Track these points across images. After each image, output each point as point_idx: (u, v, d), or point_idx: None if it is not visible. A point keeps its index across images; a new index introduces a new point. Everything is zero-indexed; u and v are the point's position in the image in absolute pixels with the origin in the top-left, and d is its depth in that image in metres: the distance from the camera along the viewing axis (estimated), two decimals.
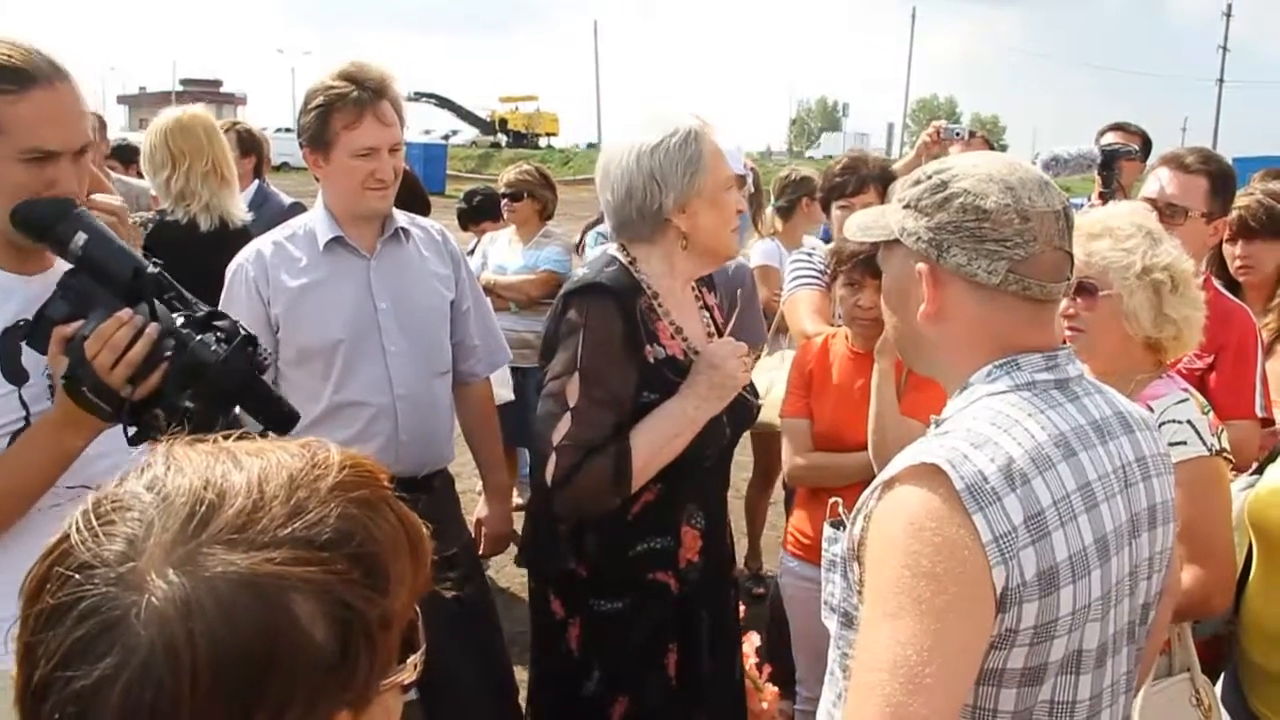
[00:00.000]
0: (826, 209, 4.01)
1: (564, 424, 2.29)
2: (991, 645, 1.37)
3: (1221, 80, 66.89)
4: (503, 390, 3.64)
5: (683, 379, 2.36)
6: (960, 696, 1.34)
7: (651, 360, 2.36)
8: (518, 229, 5.73)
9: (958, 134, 4.47)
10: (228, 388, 1.74)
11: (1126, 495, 1.50)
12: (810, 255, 4.04)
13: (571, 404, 2.28)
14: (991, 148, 5.02)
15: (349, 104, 2.71)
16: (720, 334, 2.57)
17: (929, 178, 1.56)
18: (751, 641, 2.98)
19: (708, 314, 2.60)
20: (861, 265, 3.00)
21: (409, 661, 0.86)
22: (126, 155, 7.38)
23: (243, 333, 1.77)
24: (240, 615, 0.73)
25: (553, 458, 2.29)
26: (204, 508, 0.78)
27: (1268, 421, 3.09)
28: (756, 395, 2.60)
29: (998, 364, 1.51)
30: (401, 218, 2.98)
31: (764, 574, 5.39)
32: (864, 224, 1.67)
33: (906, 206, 1.57)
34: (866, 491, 1.47)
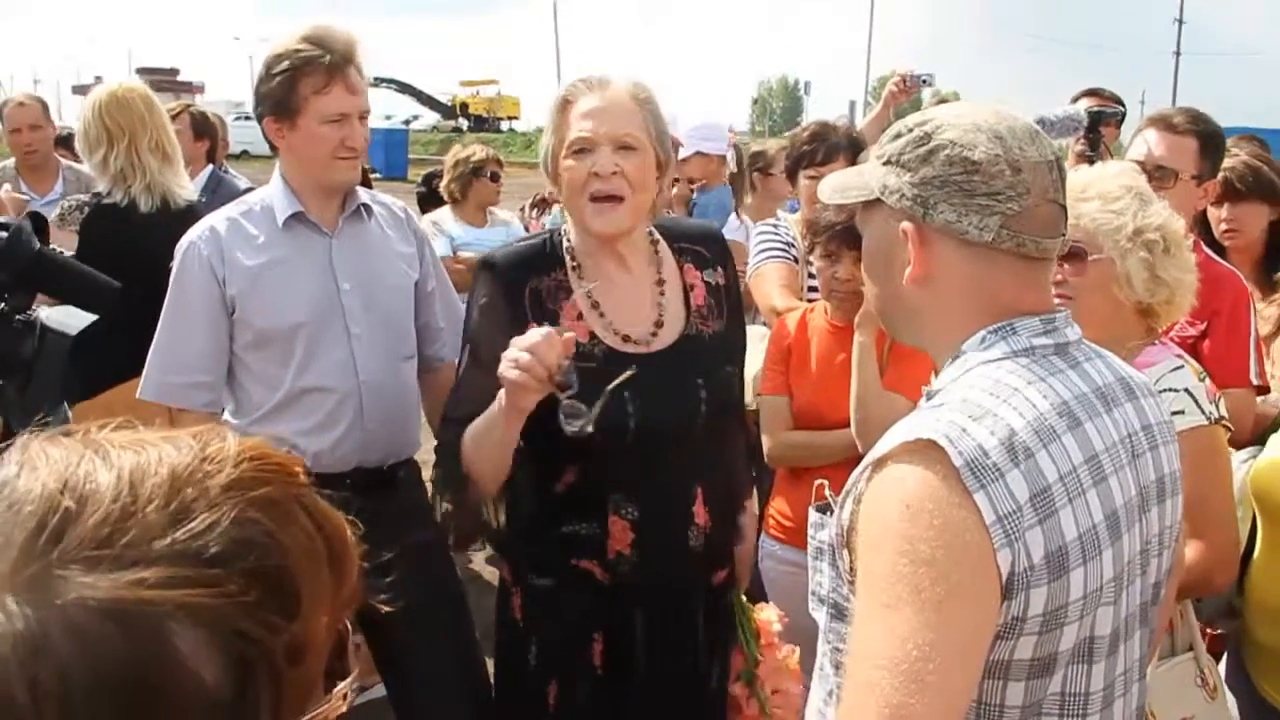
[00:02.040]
0: (793, 178, 3.88)
1: (451, 395, 2.36)
2: (997, 635, 1.25)
3: (1178, 53, 67.37)
4: None
5: (581, 363, 2.19)
6: (966, 693, 1.22)
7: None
8: (464, 208, 5.65)
9: (924, 80, 4.33)
10: (18, 270, 1.58)
11: (1134, 466, 1.39)
12: (775, 227, 3.90)
13: (459, 375, 2.29)
14: None
15: (318, 68, 2.57)
16: (691, 316, 2.40)
17: (910, 130, 1.43)
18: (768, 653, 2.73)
19: (683, 294, 2.41)
20: (839, 236, 2.88)
21: (335, 692, 0.72)
22: (72, 143, 7.18)
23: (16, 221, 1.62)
24: (101, 653, 0.59)
25: (441, 428, 2.37)
26: (57, 517, 0.62)
27: (1263, 389, 3.00)
28: (703, 381, 2.36)
29: (991, 329, 1.39)
30: (363, 194, 2.83)
31: None
32: (840, 185, 1.55)
33: (887, 163, 1.45)
34: (856, 472, 1.34)
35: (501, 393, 2.10)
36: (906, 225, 1.40)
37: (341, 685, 0.73)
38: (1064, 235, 1.43)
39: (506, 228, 5.63)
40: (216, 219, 2.73)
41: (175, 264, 2.69)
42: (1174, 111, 3.15)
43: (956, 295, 1.41)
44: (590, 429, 2.08)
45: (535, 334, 2.04)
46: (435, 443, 3.14)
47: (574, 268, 2.32)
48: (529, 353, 2.01)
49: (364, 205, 2.81)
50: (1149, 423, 1.46)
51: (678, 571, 2.38)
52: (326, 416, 2.69)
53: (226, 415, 2.77)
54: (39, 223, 1.63)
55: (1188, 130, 3.05)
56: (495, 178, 5.67)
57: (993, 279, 1.39)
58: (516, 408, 2.09)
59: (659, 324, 2.36)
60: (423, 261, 2.94)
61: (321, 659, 0.71)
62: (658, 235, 2.46)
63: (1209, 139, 3.08)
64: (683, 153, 5.08)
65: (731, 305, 2.49)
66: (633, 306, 2.36)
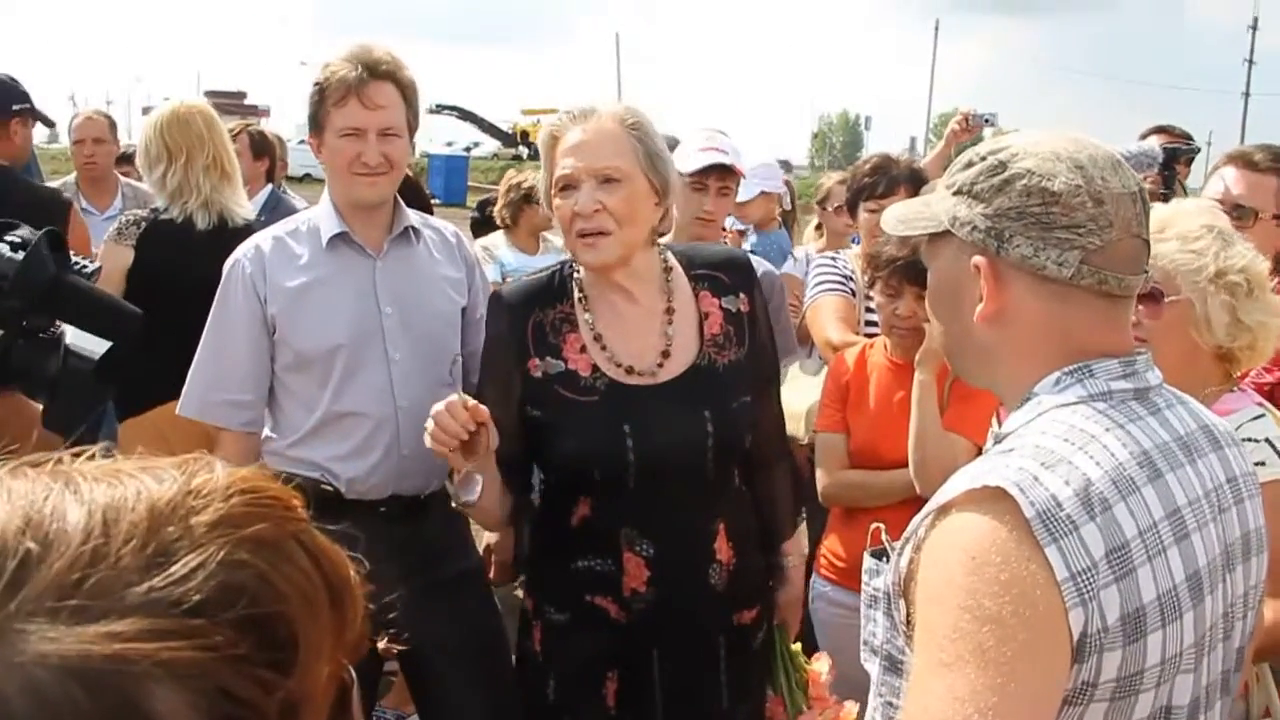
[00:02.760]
0: (853, 211, 3.82)
1: None
2: (1065, 700, 1.17)
3: (1247, 94, 66.42)
4: None
5: (582, 395, 2.24)
6: None
7: (539, 375, 2.25)
8: (516, 234, 5.61)
9: (986, 120, 4.30)
10: (32, 296, 1.54)
11: (1220, 523, 1.30)
12: (834, 259, 3.85)
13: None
14: None
15: (337, 82, 2.56)
16: (704, 346, 2.34)
17: (983, 159, 1.36)
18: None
19: (696, 322, 2.35)
20: (900, 272, 2.81)
21: None
22: (134, 159, 7.30)
23: (37, 235, 1.58)
24: (65, 718, 0.52)
25: None
26: (16, 561, 0.55)
27: None
28: (710, 413, 2.29)
29: (1067, 371, 1.31)
30: (413, 216, 2.79)
31: None
32: (905, 215, 1.47)
33: (958, 193, 1.37)
34: (917, 518, 1.27)
35: None
36: (979, 259, 1.32)
37: None
38: (1147, 272, 1.35)
39: (558, 255, 5.55)
40: (263, 238, 2.71)
41: (222, 281, 2.68)
42: (1254, 148, 3.05)
43: (1031, 334, 1.33)
44: (471, 499, 2.18)
45: (440, 404, 2.12)
46: None
47: (580, 299, 2.31)
48: (433, 420, 2.10)
49: (412, 228, 2.76)
50: (1234, 475, 1.37)
51: (698, 610, 2.32)
52: (362, 442, 2.65)
53: (266, 433, 2.75)
54: (55, 240, 1.59)
55: (1269, 168, 2.94)
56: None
57: (1070, 317, 1.31)
58: (455, 468, 2.19)
59: (665, 354, 2.31)
60: (471, 288, 2.89)
61: (322, 715, 0.64)
62: (673, 262, 2.41)
63: None
64: (746, 194, 5.06)
65: (756, 333, 2.41)
66: (639, 338, 2.32)
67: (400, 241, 2.74)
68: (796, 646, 2.55)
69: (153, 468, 0.63)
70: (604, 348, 2.28)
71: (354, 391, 2.64)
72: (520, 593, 5.03)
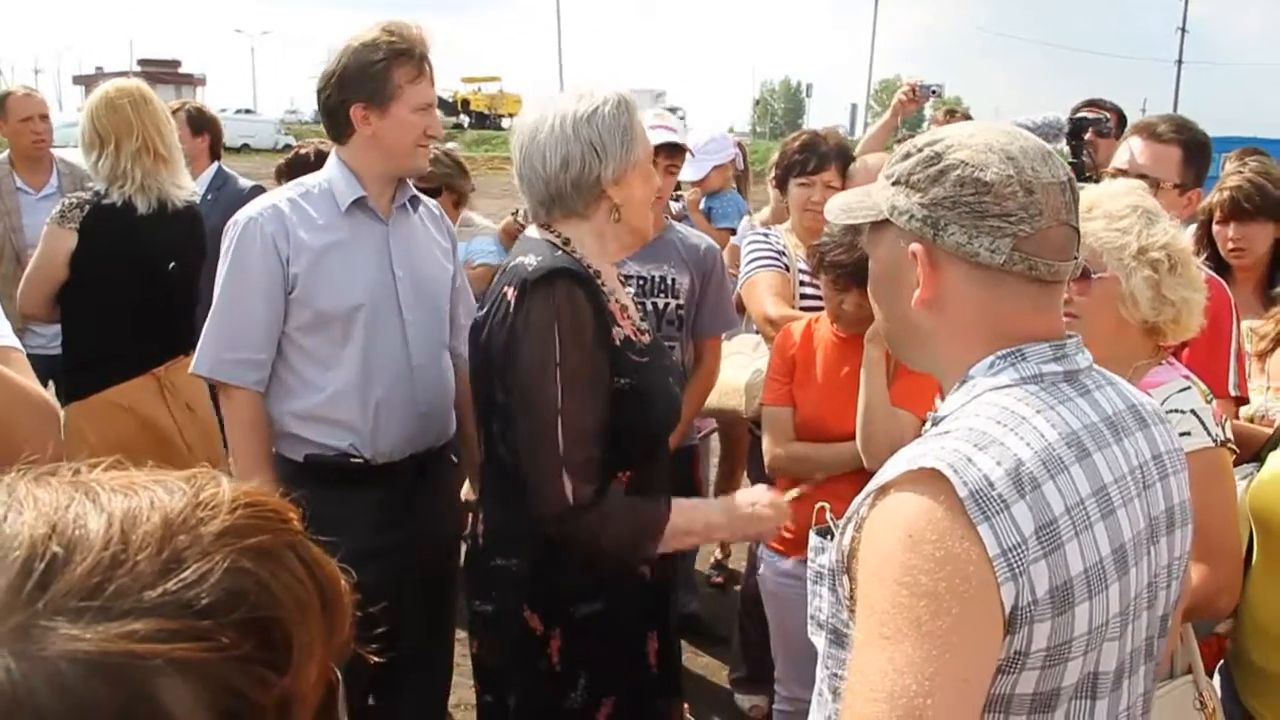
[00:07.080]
0: (783, 187, 3.86)
1: (565, 437, 2.10)
2: (999, 669, 1.22)
3: (1180, 61, 67.40)
4: None
5: (641, 358, 2.25)
6: None
7: (617, 343, 2.22)
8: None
9: (933, 90, 4.37)
10: None
11: (1144, 498, 1.36)
12: (766, 235, 3.88)
13: (560, 406, 2.10)
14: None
15: (411, 58, 2.66)
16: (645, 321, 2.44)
17: (919, 150, 1.41)
18: None
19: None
20: (846, 276, 2.87)
21: None
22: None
23: None
24: (87, 709, 0.56)
25: (564, 476, 2.09)
26: (44, 563, 0.60)
27: (1241, 400, 2.96)
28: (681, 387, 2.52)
29: (1001, 355, 1.36)
30: (411, 187, 2.91)
31: (728, 564, 5.33)
32: (847, 205, 1.52)
33: (896, 183, 1.42)
34: (858, 498, 1.32)
35: (717, 524, 2.34)
36: (916, 247, 1.37)
37: None
38: (1076, 258, 1.41)
39: (467, 244, 5.34)
40: (277, 198, 2.75)
41: (232, 240, 2.69)
42: (1159, 119, 3.12)
43: (965, 319, 1.38)
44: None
45: (759, 503, 2.37)
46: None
47: (595, 273, 2.26)
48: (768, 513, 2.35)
49: (412, 198, 2.88)
50: (1159, 451, 1.43)
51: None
52: (383, 401, 2.73)
53: (280, 395, 2.75)
54: None
55: (1171, 139, 3.02)
56: (432, 193, 5.22)
57: (1003, 302, 1.36)
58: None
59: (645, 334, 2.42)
60: (454, 256, 3.05)
61: (310, 712, 0.68)
62: None
63: (1193, 148, 3.04)
64: (699, 173, 5.16)
65: None
66: (630, 306, 2.41)
67: (402, 210, 2.85)
68: None
69: (163, 480, 0.68)
70: (629, 315, 2.34)
71: (375, 352, 2.72)
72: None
